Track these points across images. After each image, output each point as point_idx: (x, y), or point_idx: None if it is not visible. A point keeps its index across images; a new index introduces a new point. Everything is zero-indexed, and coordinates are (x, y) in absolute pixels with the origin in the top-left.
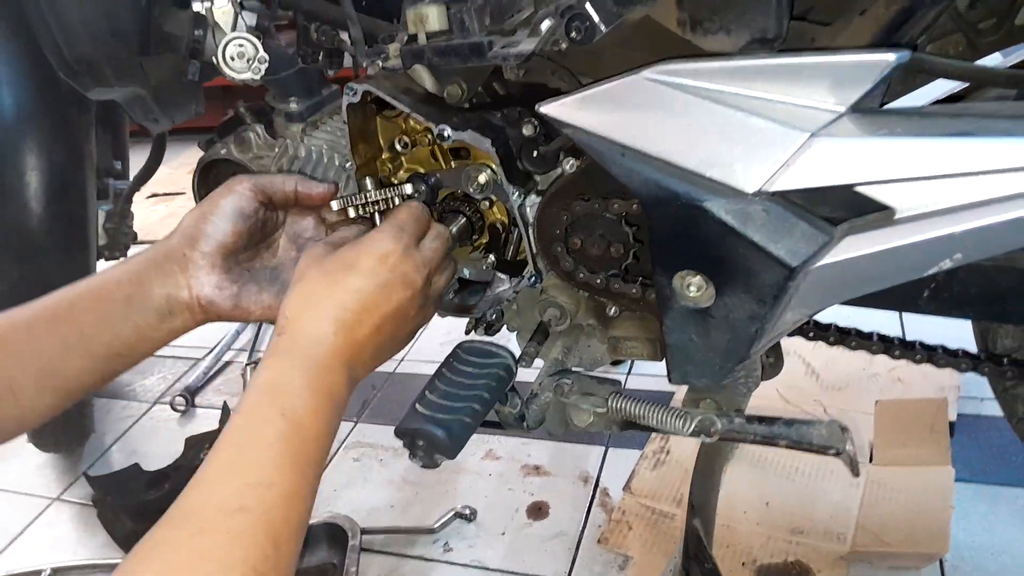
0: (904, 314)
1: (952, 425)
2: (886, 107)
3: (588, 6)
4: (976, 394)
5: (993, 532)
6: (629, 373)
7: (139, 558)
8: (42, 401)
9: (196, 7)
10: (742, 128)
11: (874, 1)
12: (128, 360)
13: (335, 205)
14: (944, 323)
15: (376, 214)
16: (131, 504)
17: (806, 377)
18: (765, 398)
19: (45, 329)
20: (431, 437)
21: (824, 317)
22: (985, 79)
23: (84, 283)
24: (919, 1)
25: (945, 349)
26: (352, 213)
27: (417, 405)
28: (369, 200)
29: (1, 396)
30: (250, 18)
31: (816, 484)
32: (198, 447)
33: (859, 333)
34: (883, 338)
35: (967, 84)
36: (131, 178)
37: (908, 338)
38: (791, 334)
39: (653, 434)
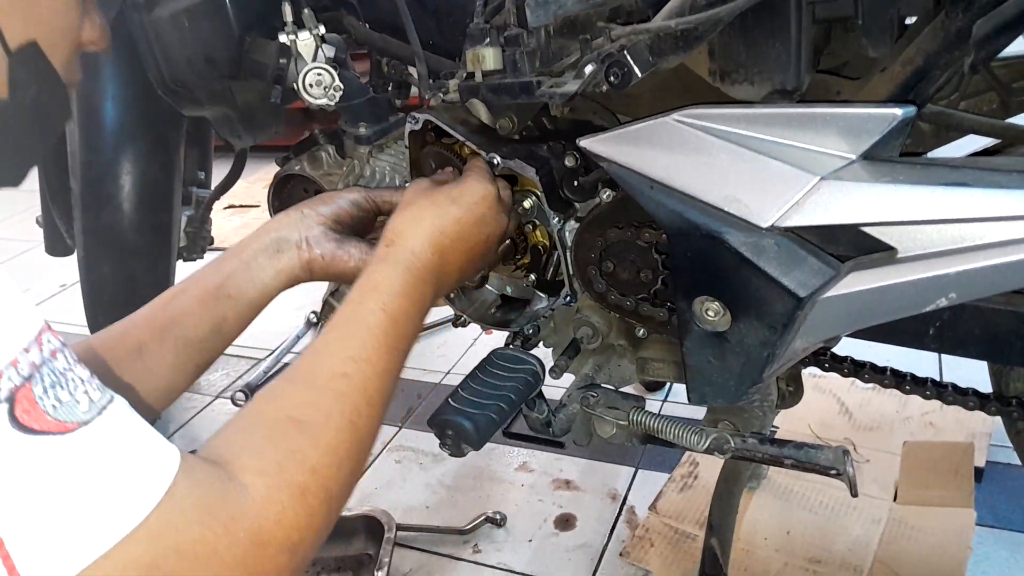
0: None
1: (980, 471)
2: (897, 157)
3: (626, 55)
4: (1008, 443)
5: None
6: (665, 400)
7: (261, 398)
8: (164, 358)
9: (282, 39)
10: (759, 168)
11: (892, 61)
12: (236, 305)
13: None
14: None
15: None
16: None
17: (839, 416)
18: (797, 434)
19: (171, 294)
20: (459, 428)
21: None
22: (1005, 134)
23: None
24: (930, 63)
25: (954, 387)
26: None
27: (450, 400)
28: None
29: (130, 355)
30: (329, 50)
31: (838, 518)
32: None
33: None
34: (875, 367)
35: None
36: (212, 188)
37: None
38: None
39: (682, 458)
